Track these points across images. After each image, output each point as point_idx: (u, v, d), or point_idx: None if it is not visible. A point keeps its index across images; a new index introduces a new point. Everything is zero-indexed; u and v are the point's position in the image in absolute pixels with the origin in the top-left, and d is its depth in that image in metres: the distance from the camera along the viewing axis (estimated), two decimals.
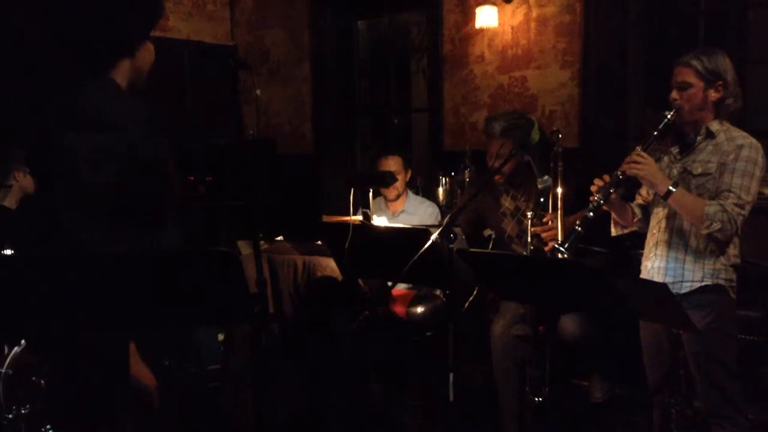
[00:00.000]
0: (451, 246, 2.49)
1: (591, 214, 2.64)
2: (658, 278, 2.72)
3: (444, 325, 3.39)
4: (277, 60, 6.11)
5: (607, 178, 2.67)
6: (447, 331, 2.57)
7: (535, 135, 3.43)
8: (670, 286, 2.60)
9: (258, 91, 2.24)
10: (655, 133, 2.67)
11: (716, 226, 2.51)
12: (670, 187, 2.56)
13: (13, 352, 3.29)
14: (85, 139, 1.98)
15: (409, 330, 3.65)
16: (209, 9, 6.07)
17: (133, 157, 1.99)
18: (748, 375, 3.11)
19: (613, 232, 2.99)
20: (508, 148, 3.35)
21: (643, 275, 2.80)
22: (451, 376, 2.57)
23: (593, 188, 2.69)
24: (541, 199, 3.55)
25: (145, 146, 2.03)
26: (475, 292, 3.37)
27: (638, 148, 2.66)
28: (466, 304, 3.36)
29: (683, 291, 2.66)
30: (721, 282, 2.65)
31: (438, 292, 3.77)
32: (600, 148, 4.37)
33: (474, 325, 3.85)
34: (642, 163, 2.60)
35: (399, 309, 3.70)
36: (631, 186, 2.81)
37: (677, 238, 2.70)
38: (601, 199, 2.64)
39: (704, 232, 2.56)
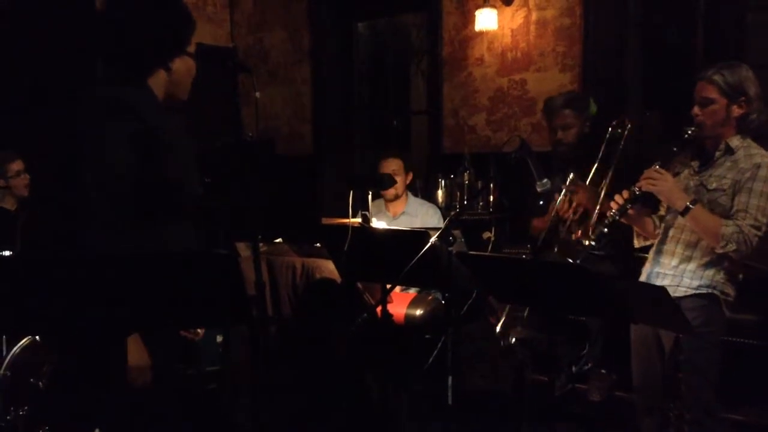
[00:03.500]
0: (450, 249, 2.49)
1: (606, 230, 2.69)
2: (655, 282, 2.72)
3: (443, 327, 3.40)
4: (276, 62, 6.11)
5: (626, 194, 2.68)
6: (446, 333, 2.57)
7: (593, 108, 3.60)
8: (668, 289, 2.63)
9: (257, 93, 2.23)
10: (675, 149, 2.68)
11: (732, 246, 2.53)
12: (689, 204, 2.56)
13: (11, 353, 3.28)
14: (115, 127, 1.99)
15: (408, 333, 3.65)
16: (209, 10, 6.07)
17: (155, 146, 2.02)
18: (741, 378, 3.11)
19: (636, 243, 2.99)
20: (570, 118, 3.48)
21: (642, 279, 2.80)
22: (449, 379, 2.57)
23: (613, 204, 2.70)
24: (540, 202, 3.57)
25: (167, 137, 2.06)
26: (474, 295, 3.37)
27: (656, 165, 2.66)
28: (465, 307, 3.36)
29: (677, 294, 2.66)
30: (716, 293, 2.65)
31: (437, 294, 3.76)
32: (599, 151, 4.35)
33: (473, 328, 3.86)
34: (659, 180, 2.60)
35: (398, 312, 3.70)
36: (652, 197, 2.81)
37: (682, 249, 2.69)
38: (617, 215, 2.67)
39: (719, 251, 2.56)
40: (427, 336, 3.64)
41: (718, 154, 2.67)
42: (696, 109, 2.65)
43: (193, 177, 2.19)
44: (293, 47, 6.02)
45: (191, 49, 2.20)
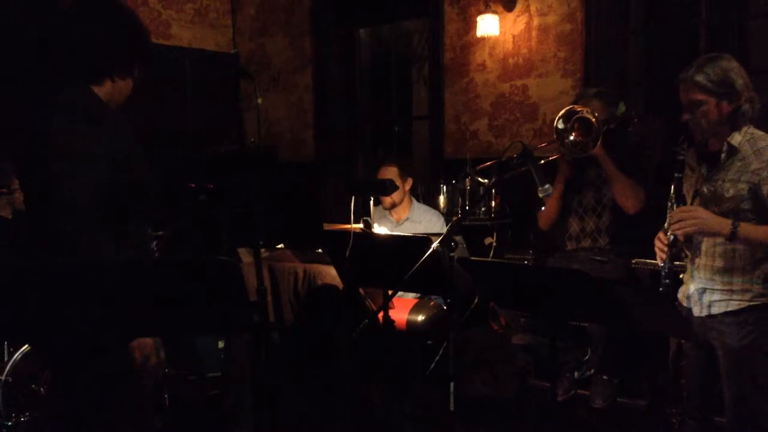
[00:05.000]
0: (451, 254, 2.49)
1: (667, 281, 2.54)
2: (702, 297, 2.59)
3: (445, 333, 3.39)
4: (278, 68, 6.13)
5: (664, 240, 2.55)
6: (448, 339, 2.56)
7: (621, 108, 3.62)
8: (716, 304, 2.53)
9: (259, 99, 2.24)
10: (677, 174, 2.56)
11: None
12: (732, 229, 2.41)
13: (13, 359, 3.28)
14: (69, 132, 2.04)
15: (410, 338, 3.64)
16: (211, 17, 6.09)
17: (115, 152, 2.07)
18: None
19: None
20: (597, 108, 3.46)
21: (683, 297, 2.69)
22: (451, 385, 2.56)
23: (659, 257, 2.57)
24: (542, 208, 3.57)
25: (125, 145, 2.12)
26: (476, 301, 3.37)
27: (672, 206, 2.53)
28: (467, 313, 3.36)
29: (730, 309, 2.52)
30: None
31: (439, 300, 3.76)
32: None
33: (475, 334, 3.85)
34: (689, 219, 2.45)
35: (400, 317, 3.70)
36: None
37: (722, 261, 2.54)
38: (669, 264, 2.53)
39: None
40: (428, 342, 3.63)
41: (723, 156, 2.52)
42: (685, 115, 2.51)
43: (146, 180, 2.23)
44: (295, 53, 6.03)
45: (136, 74, 2.27)
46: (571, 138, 3.33)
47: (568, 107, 3.37)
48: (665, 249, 2.53)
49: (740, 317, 2.50)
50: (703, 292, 2.58)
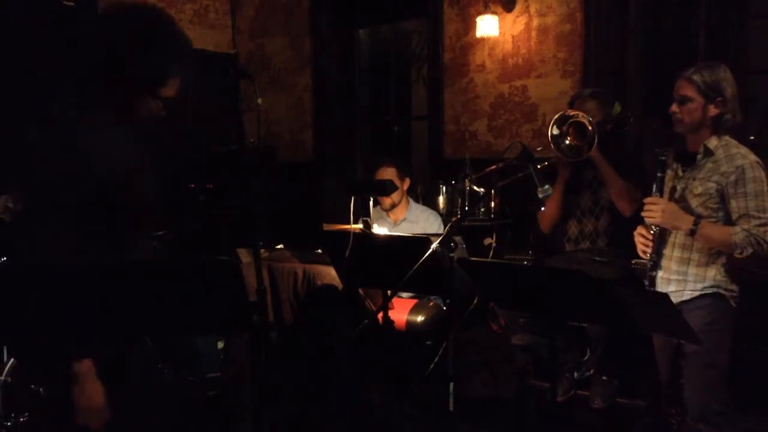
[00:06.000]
0: (451, 255, 2.49)
1: (654, 273, 2.76)
2: (661, 287, 2.76)
3: (444, 334, 3.39)
4: (278, 68, 6.13)
5: (642, 231, 2.77)
6: (447, 340, 2.56)
7: (617, 108, 3.71)
8: (673, 295, 2.64)
9: (259, 100, 2.23)
10: (659, 174, 2.72)
11: (749, 250, 2.59)
12: (692, 226, 2.63)
13: (13, 360, 3.28)
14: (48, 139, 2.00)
15: (410, 339, 3.64)
16: (211, 17, 6.09)
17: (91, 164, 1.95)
18: (746, 385, 3.11)
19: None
20: (593, 109, 3.50)
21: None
22: (451, 385, 2.56)
23: (645, 249, 2.76)
24: (542, 209, 3.57)
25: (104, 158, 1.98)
26: (475, 301, 3.37)
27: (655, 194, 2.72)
28: (466, 314, 3.36)
29: (684, 298, 2.72)
30: (721, 291, 2.71)
31: (438, 300, 3.76)
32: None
33: (474, 335, 3.85)
34: (655, 211, 2.66)
35: (399, 318, 3.70)
36: None
37: (680, 252, 2.76)
38: (654, 257, 2.75)
39: (738, 256, 2.63)
40: (428, 342, 3.63)
41: (699, 157, 2.72)
42: (674, 107, 2.72)
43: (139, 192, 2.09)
44: (295, 53, 6.03)
45: (165, 92, 2.11)
46: (567, 142, 3.33)
47: (560, 112, 3.37)
48: (649, 243, 2.74)
49: (695, 303, 2.70)
50: (662, 282, 2.78)
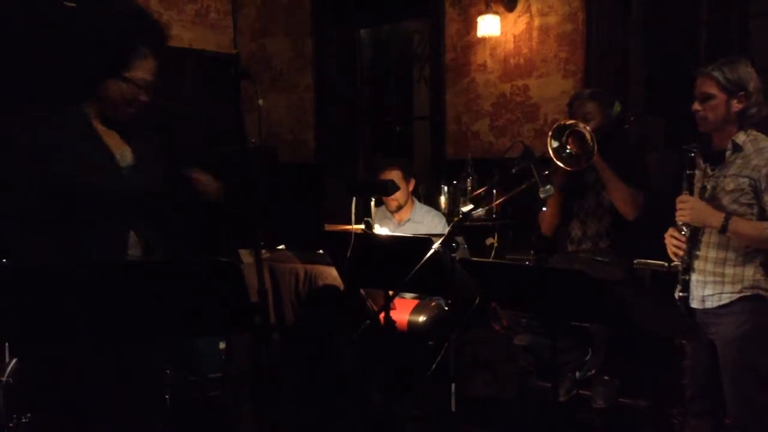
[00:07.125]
0: (453, 255, 2.49)
1: (686, 276, 2.68)
2: (696, 291, 2.68)
3: (446, 334, 3.39)
4: (279, 68, 6.12)
5: (674, 233, 2.68)
6: (449, 340, 2.56)
7: (617, 108, 3.65)
8: (710, 299, 2.61)
9: (260, 100, 2.23)
10: (688, 171, 2.68)
11: None
12: (723, 222, 2.54)
13: (14, 361, 3.28)
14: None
15: (411, 339, 3.64)
16: (212, 17, 6.09)
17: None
18: None
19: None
20: (593, 110, 3.52)
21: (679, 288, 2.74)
22: (453, 385, 2.56)
23: (677, 251, 2.68)
24: (544, 209, 3.57)
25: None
26: (477, 301, 3.36)
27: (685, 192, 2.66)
28: (468, 314, 3.35)
29: (723, 302, 2.62)
30: (761, 292, 2.60)
31: (440, 301, 3.76)
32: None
33: (476, 335, 3.85)
34: (686, 209, 2.60)
35: (401, 318, 3.70)
36: None
37: (715, 252, 2.64)
38: (687, 259, 2.67)
39: None
40: (430, 342, 3.63)
41: (727, 153, 2.64)
42: (696, 105, 2.66)
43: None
44: (296, 54, 6.03)
45: (133, 74, 2.17)
46: (567, 151, 3.27)
47: (555, 125, 3.32)
48: (682, 245, 2.64)
49: (734, 308, 2.60)
50: (697, 285, 2.68)
